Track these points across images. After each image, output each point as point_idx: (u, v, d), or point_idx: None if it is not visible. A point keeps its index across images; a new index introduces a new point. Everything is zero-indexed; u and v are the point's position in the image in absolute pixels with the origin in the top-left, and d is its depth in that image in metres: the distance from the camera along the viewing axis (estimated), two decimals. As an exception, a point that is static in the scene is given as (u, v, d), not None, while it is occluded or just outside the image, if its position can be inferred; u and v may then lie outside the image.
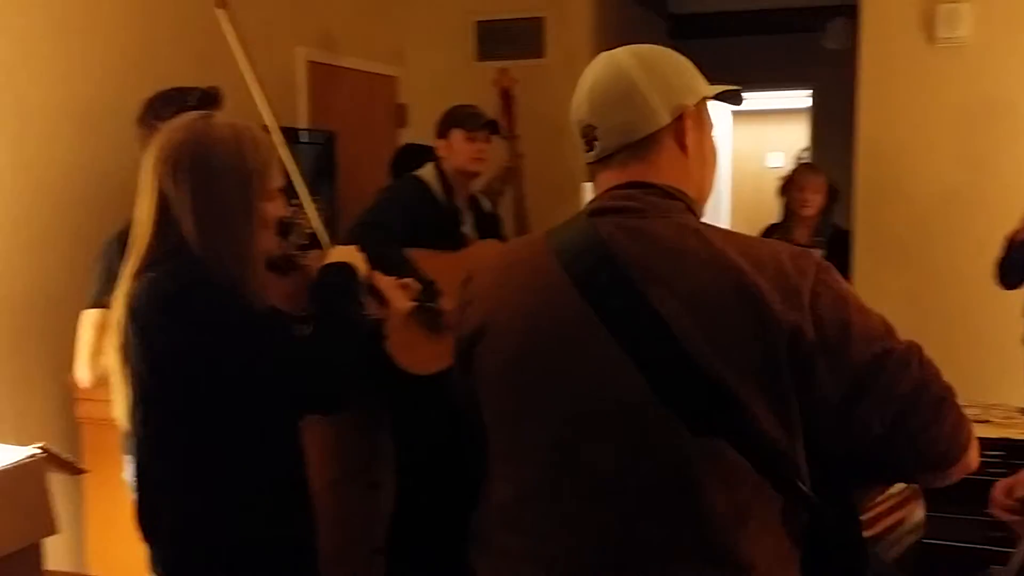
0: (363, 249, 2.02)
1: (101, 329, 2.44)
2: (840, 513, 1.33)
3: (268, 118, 2.37)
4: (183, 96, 2.52)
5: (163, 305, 1.66)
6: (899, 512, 1.52)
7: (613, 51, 1.44)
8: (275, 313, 1.79)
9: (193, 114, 1.79)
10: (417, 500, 3.25)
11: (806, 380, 1.24)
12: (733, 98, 1.49)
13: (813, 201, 4.13)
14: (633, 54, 1.41)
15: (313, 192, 2.45)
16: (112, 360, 1.76)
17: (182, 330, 1.65)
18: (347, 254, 1.97)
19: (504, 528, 1.42)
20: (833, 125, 6.73)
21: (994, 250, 3.32)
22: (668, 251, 1.31)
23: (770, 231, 4.38)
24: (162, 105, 2.52)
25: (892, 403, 1.24)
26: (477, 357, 1.46)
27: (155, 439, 1.76)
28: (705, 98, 1.44)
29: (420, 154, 3.64)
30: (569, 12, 4.89)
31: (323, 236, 2.33)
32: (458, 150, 3.34)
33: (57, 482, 1.84)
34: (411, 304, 2.11)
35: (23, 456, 1.76)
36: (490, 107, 3.54)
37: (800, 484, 1.27)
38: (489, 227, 3.56)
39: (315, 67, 4.32)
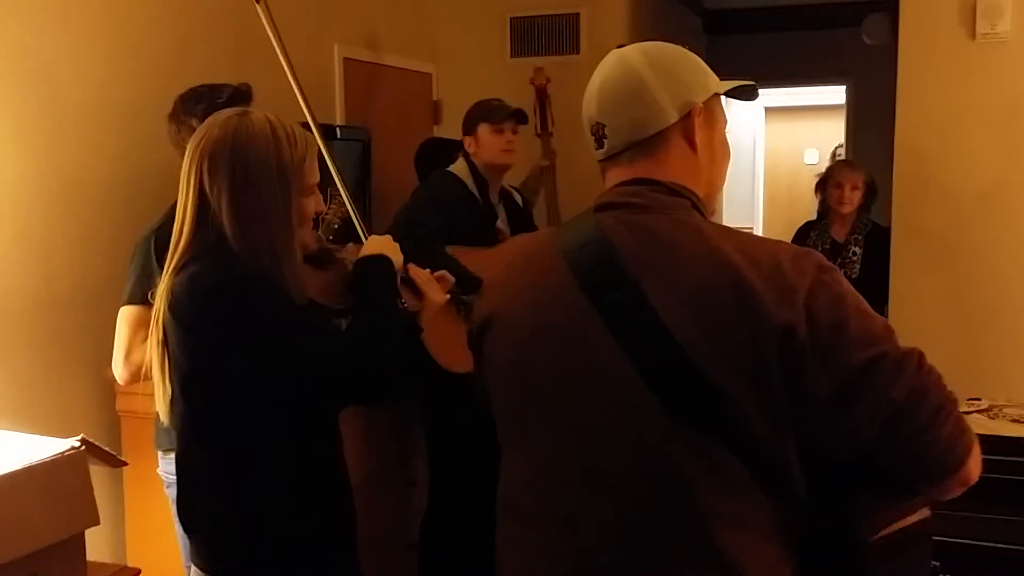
0: (406, 247, 2.02)
1: (135, 326, 2.47)
2: (835, 520, 1.30)
3: (307, 114, 2.38)
4: (214, 93, 2.54)
5: (203, 300, 1.68)
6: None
7: (623, 49, 1.44)
8: (314, 306, 1.80)
9: (231, 110, 1.80)
10: (449, 499, 3.26)
11: (797, 379, 1.22)
12: (747, 94, 1.48)
13: (851, 198, 4.09)
14: (642, 52, 1.41)
15: (349, 188, 2.46)
16: (153, 355, 1.78)
17: (222, 324, 1.67)
18: (382, 245, 1.97)
19: (509, 516, 1.44)
20: (869, 121, 6.67)
21: (1035, 248, 3.28)
22: (665, 246, 1.31)
23: (806, 228, 4.34)
24: (194, 102, 2.54)
25: (885, 407, 1.21)
26: (486, 347, 1.48)
27: (195, 433, 1.77)
28: (716, 95, 1.43)
29: (444, 148, 3.64)
30: (605, 8, 4.88)
31: (361, 230, 2.34)
32: (486, 144, 3.32)
33: (97, 475, 1.86)
34: (446, 296, 2.11)
35: (64, 448, 1.78)
36: (526, 104, 3.53)
37: (790, 486, 1.26)
38: (522, 221, 3.54)
39: (351, 64, 4.34)
